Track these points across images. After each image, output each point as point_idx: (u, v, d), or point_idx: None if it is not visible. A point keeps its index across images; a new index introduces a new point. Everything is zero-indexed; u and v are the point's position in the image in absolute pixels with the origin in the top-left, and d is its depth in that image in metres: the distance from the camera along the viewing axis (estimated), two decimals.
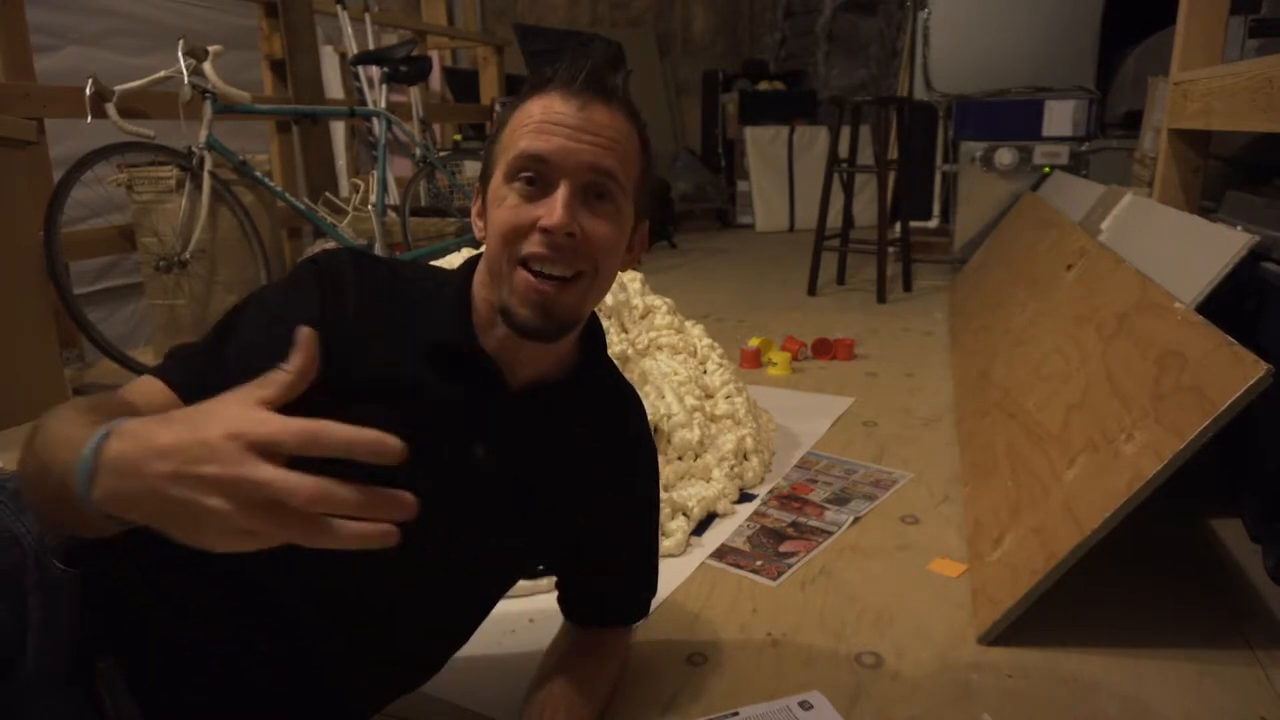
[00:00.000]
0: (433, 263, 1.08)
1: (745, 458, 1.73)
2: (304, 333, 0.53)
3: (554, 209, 0.74)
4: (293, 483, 0.47)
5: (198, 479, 0.48)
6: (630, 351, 1.75)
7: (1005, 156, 3.88)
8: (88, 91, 2.36)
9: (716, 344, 2.02)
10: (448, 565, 0.83)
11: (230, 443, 0.48)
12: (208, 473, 0.48)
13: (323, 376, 0.75)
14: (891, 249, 3.62)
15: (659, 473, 1.06)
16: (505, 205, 0.77)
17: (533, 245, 0.75)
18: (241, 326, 0.76)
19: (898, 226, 3.78)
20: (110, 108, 2.40)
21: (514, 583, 1.01)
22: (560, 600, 1.05)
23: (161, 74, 2.51)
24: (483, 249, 0.83)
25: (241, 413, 0.50)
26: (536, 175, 0.76)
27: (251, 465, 0.48)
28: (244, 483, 0.47)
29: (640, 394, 1.62)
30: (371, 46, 3.76)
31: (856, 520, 1.54)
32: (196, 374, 0.72)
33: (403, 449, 0.49)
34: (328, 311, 0.76)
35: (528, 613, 1.23)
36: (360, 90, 3.82)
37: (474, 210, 0.85)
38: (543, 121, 0.76)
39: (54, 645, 0.70)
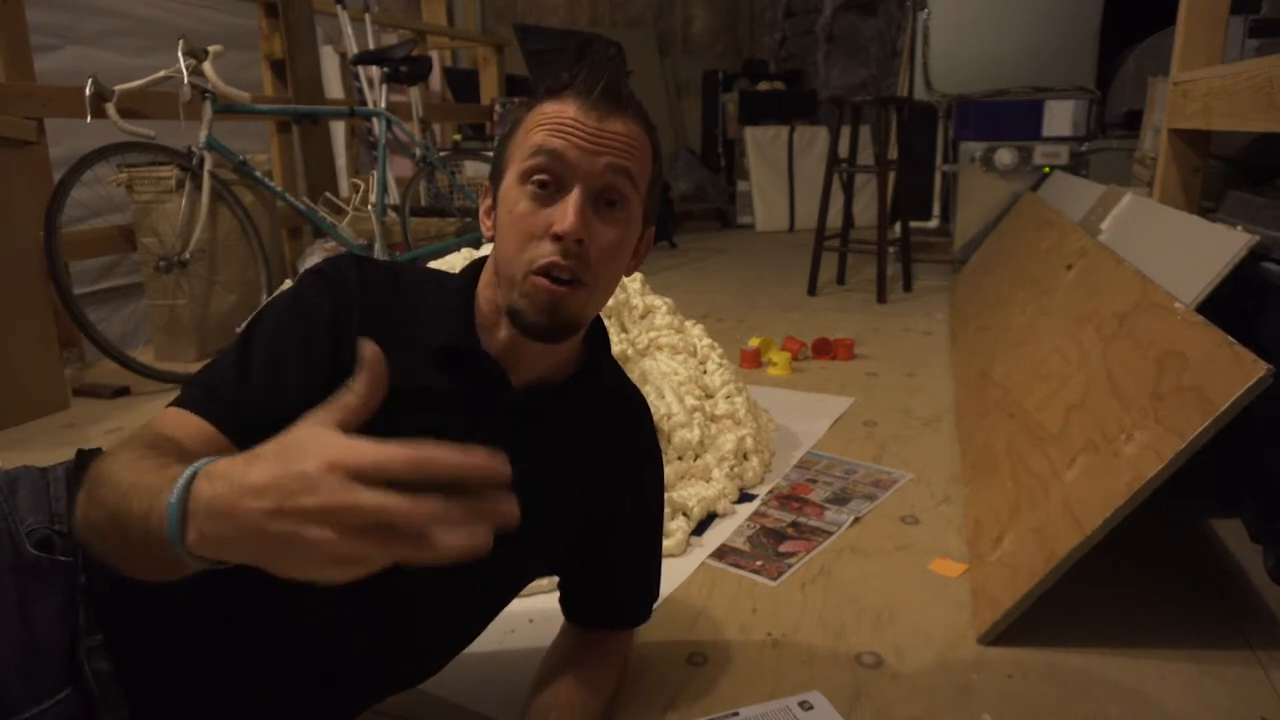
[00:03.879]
0: (433, 263, 1.08)
1: (745, 458, 1.73)
2: (368, 350, 0.51)
3: (566, 214, 0.75)
4: (406, 505, 0.46)
5: (299, 512, 0.46)
6: (630, 351, 1.75)
7: (1005, 156, 3.88)
8: (88, 91, 2.36)
9: (716, 344, 2.02)
10: (458, 570, 0.83)
11: (330, 473, 0.46)
12: (309, 504, 0.46)
13: (337, 384, 0.76)
14: (891, 249, 3.62)
15: (664, 478, 1.05)
16: (518, 210, 0.77)
17: (546, 254, 0.75)
18: (258, 345, 0.75)
19: (898, 226, 3.78)
20: (110, 108, 2.40)
21: (524, 585, 1.01)
22: (562, 601, 1.05)
23: (161, 74, 2.50)
24: (485, 250, 0.83)
25: (335, 441, 0.48)
26: (551, 178, 0.76)
27: (356, 492, 0.46)
28: (349, 510, 0.46)
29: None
30: (371, 46, 3.76)
31: (856, 520, 1.54)
32: (227, 403, 0.72)
33: (509, 471, 0.47)
34: (338, 320, 0.77)
35: (528, 613, 1.23)
36: (360, 90, 3.82)
37: (483, 208, 0.85)
38: (558, 124, 0.76)
39: (30, 628, 0.70)
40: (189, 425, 0.70)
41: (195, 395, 0.73)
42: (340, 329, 0.77)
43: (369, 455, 0.46)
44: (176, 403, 0.73)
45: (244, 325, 0.78)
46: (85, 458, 0.82)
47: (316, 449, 0.47)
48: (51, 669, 0.71)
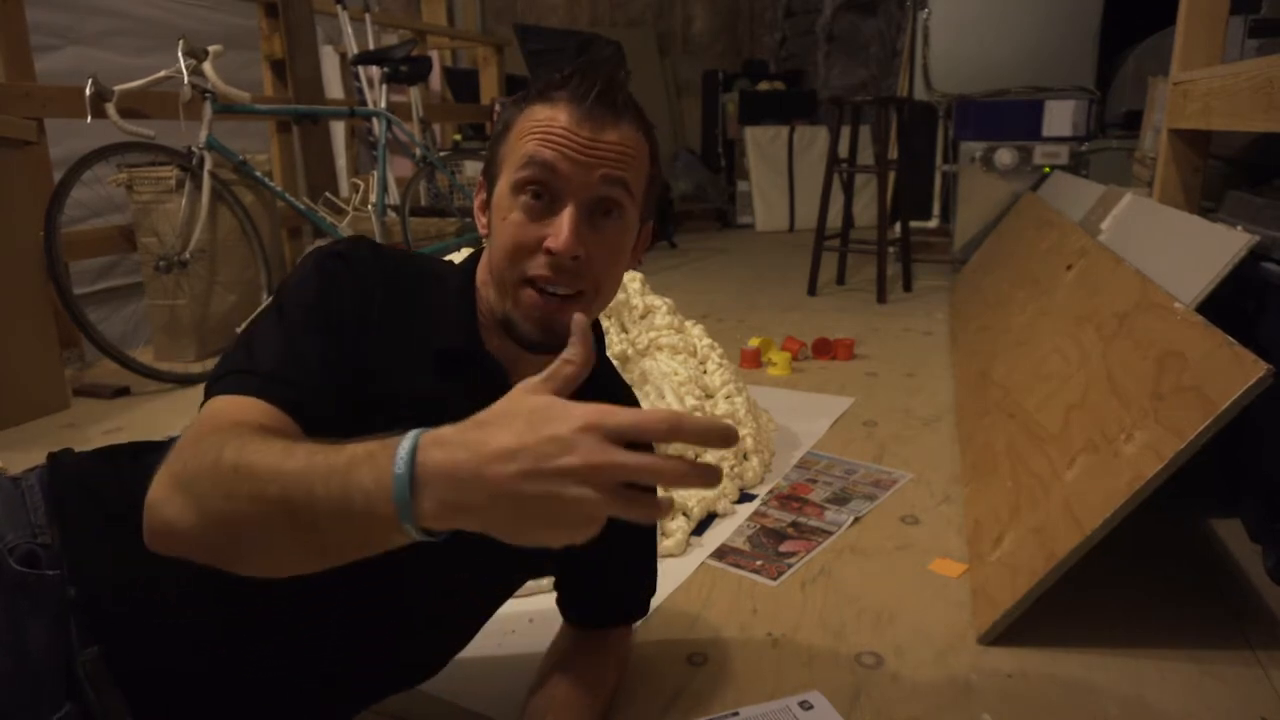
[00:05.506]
0: None
1: (745, 458, 1.73)
2: (579, 321, 0.55)
3: (560, 231, 0.73)
4: (662, 463, 0.49)
5: (559, 472, 0.48)
6: (630, 351, 1.75)
7: (1005, 156, 3.88)
8: (88, 91, 2.36)
9: (716, 344, 2.02)
10: (457, 572, 0.83)
11: (588, 434, 0.48)
12: (571, 464, 0.48)
13: (349, 377, 0.74)
14: (891, 249, 3.62)
15: None
16: (511, 220, 0.75)
17: (538, 267, 0.74)
18: (300, 329, 0.73)
19: (898, 226, 3.78)
20: (110, 108, 2.40)
21: (519, 585, 1.01)
22: (559, 601, 1.05)
23: (161, 74, 2.50)
24: (484, 245, 0.83)
25: (580, 407, 0.50)
26: (544, 189, 0.74)
27: (615, 452, 0.48)
28: (615, 468, 0.48)
29: (640, 394, 1.63)
30: (371, 46, 3.76)
31: (856, 520, 1.54)
32: (290, 384, 0.68)
33: (739, 435, 0.51)
34: (358, 308, 0.76)
35: (528, 613, 1.23)
36: (360, 90, 3.82)
37: (477, 204, 0.85)
38: (549, 132, 0.74)
39: (24, 646, 0.69)
40: (254, 411, 0.66)
41: (252, 381, 0.68)
42: (364, 315, 0.76)
43: (627, 416, 0.48)
44: (226, 389, 0.68)
45: (266, 314, 0.76)
46: (57, 461, 0.80)
47: (563, 413, 0.49)
48: (49, 686, 0.70)
